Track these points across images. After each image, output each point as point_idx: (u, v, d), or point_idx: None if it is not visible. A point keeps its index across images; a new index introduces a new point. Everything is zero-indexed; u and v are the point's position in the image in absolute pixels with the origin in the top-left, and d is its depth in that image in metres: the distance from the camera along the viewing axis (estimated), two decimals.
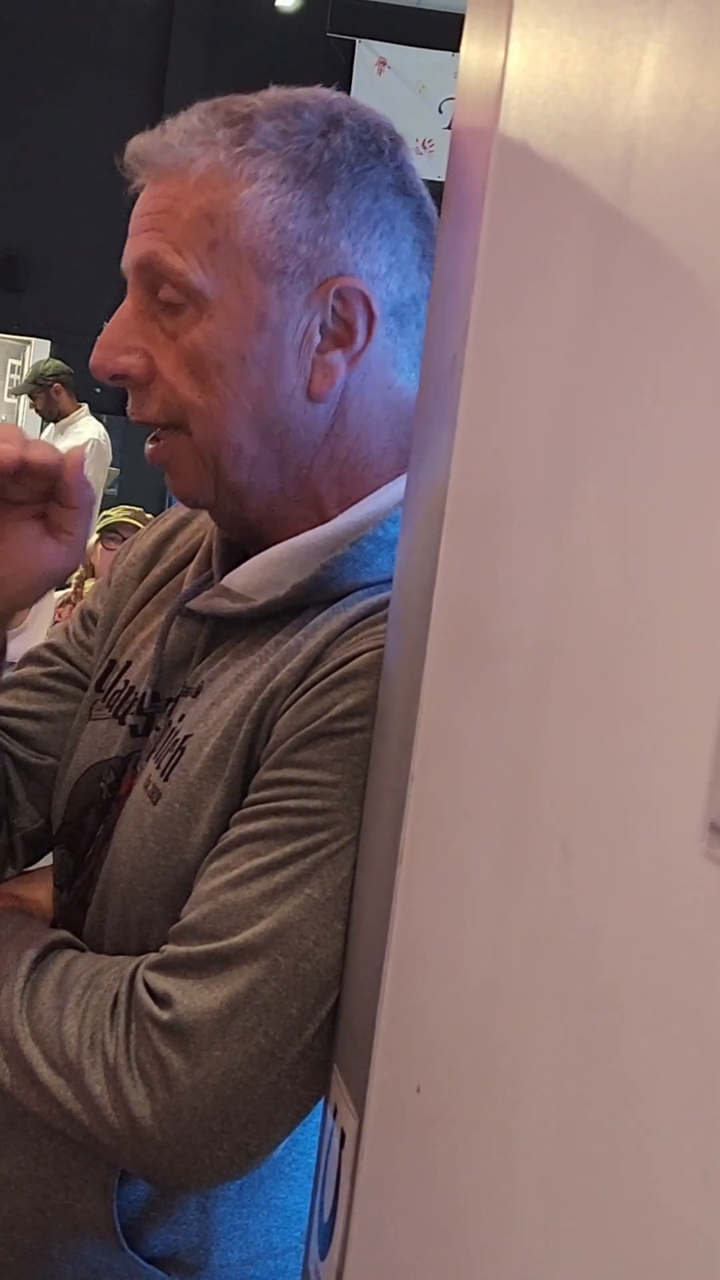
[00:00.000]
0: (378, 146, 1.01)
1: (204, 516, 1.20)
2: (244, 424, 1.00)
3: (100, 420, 7.74)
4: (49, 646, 1.25)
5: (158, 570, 1.19)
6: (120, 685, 1.14)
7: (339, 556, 1.00)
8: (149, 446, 1.05)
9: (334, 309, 0.99)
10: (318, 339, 0.99)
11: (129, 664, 1.15)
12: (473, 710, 0.69)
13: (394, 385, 1.04)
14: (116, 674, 1.15)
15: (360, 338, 1.00)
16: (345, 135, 0.99)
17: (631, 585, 0.51)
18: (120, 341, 1.01)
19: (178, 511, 1.24)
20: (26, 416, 9.05)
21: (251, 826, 0.94)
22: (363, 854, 0.91)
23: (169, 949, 0.94)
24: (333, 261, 0.99)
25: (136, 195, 1.02)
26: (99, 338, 1.01)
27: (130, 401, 1.03)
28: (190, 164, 0.98)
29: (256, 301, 0.98)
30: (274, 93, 1.02)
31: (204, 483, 1.03)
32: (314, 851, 0.92)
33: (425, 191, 1.04)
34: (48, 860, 1.19)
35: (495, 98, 0.72)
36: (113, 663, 1.17)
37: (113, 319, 1.02)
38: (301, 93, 1.02)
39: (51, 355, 8.25)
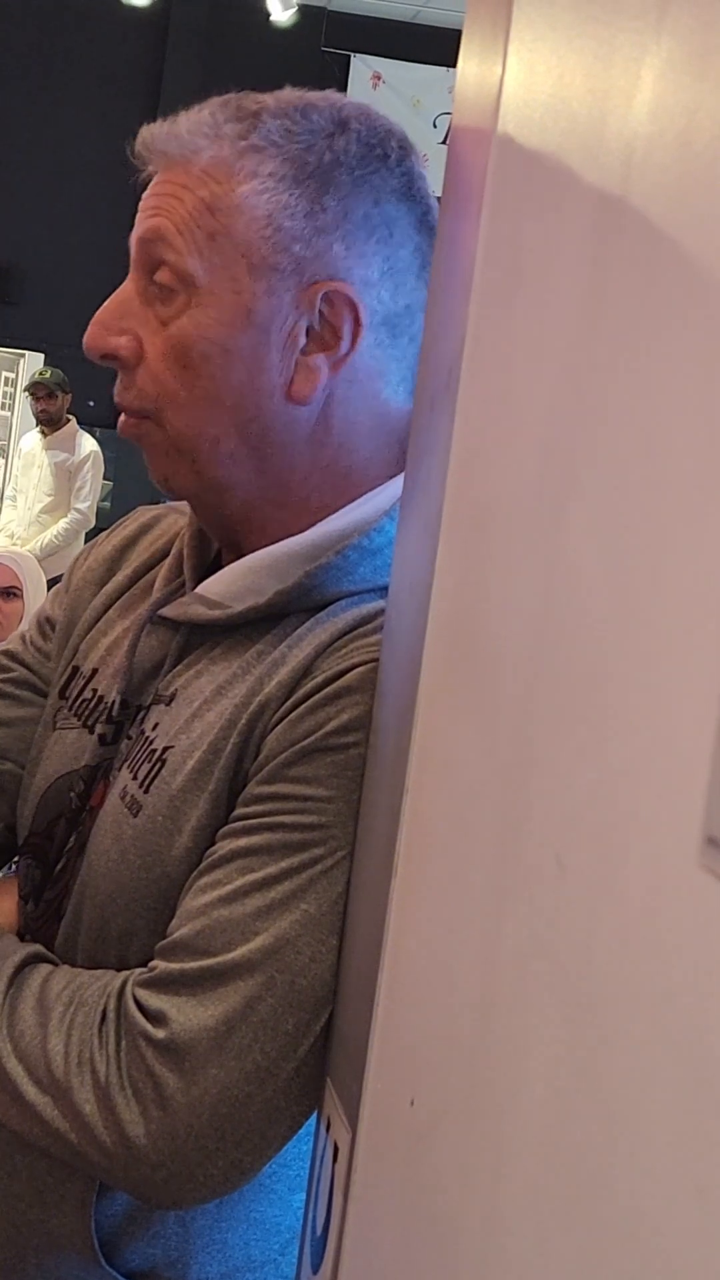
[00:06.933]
0: (383, 151, 1.01)
1: (168, 522, 1.20)
2: (223, 418, 1.00)
3: (93, 434, 7.75)
4: (5, 654, 1.23)
5: (119, 576, 1.18)
6: (88, 694, 1.12)
7: (323, 565, 1.00)
8: (122, 419, 1.04)
9: (321, 312, 0.99)
10: (302, 340, 1.00)
11: (95, 671, 1.13)
12: (467, 724, 0.69)
13: (380, 396, 1.04)
14: (82, 682, 1.14)
15: (345, 344, 1.00)
16: (350, 138, 0.99)
17: (626, 598, 0.51)
18: (114, 322, 1.02)
19: (138, 517, 1.23)
20: (18, 428, 9.06)
21: (244, 841, 0.93)
22: (357, 868, 0.91)
23: (160, 965, 0.93)
24: (324, 264, 0.99)
25: (136, 202, 1.03)
26: (95, 316, 1.02)
27: (118, 382, 1.03)
28: (195, 154, 0.99)
29: (246, 296, 0.98)
30: (287, 93, 1.02)
31: (180, 473, 1.03)
32: (309, 867, 0.91)
33: (432, 200, 1.04)
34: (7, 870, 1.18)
35: (492, 112, 0.72)
36: (76, 670, 1.15)
37: (110, 298, 1.03)
38: (314, 95, 1.02)
39: (45, 367, 8.24)
